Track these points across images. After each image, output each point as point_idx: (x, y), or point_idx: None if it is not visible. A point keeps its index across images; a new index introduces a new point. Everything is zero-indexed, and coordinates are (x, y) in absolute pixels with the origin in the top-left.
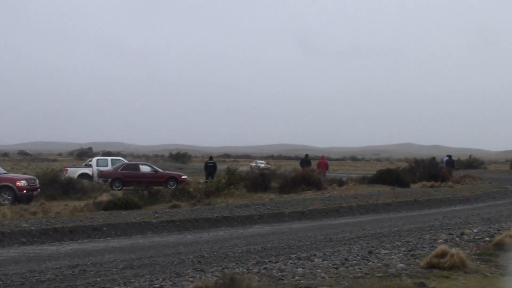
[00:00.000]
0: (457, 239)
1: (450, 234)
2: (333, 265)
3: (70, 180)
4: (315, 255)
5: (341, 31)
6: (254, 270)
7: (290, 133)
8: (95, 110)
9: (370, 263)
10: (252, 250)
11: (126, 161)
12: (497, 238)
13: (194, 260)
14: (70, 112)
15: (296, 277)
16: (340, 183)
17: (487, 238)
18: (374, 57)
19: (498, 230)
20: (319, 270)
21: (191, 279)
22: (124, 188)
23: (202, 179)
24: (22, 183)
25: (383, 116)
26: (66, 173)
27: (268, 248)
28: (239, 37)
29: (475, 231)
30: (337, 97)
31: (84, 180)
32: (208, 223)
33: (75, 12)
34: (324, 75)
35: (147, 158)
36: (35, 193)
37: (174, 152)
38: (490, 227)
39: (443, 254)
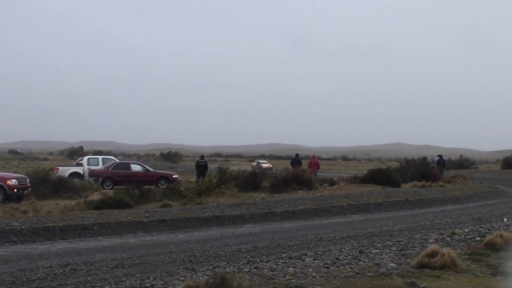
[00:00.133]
0: (448, 238)
1: (441, 233)
2: (324, 264)
3: (61, 179)
4: (306, 254)
5: (334, 31)
6: (245, 269)
7: (281, 132)
8: (86, 109)
9: (361, 262)
10: (243, 249)
11: (117, 160)
12: (488, 238)
13: (185, 259)
14: (61, 111)
15: (287, 276)
16: (331, 182)
17: (478, 238)
18: (366, 57)
19: (489, 230)
20: (310, 270)
21: (182, 278)
22: (115, 187)
23: (193, 179)
24: (13, 182)
25: (374, 116)
26: (57, 172)
27: (259, 248)
28: (232, 37)
29: (466, 231)
30: (329, 97)
31: (75, 179)
32: (199, 223)
33: (69, 11)
34: (315, 75)
35: (138, 157)
36: (25, 192)
37: (165, 151)
38: (481, 227)
39: (434, 254)
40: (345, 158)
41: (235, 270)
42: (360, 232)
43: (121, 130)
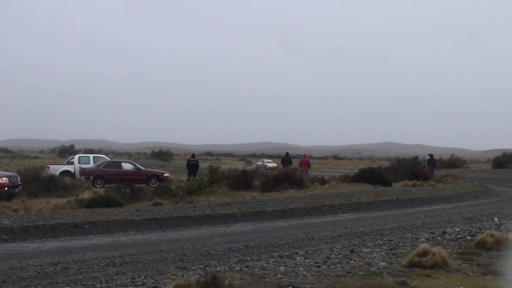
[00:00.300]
0: (439, 238)
1: (432, 233)
2: (315, 263)
3: (52, 178)
4: (297, 253)
5: (325, 31)
6: (236, 268)
7: (273, 131)
8: (77, 107)
9: (352, 261)
10: (234, 248)
11: (108, 159)
12: (479, 237)
13: (176, 258)
14: (52, 110)
15: (278, 275)
16: (322, 181)
17: (469, 237)
18: (357, 57)
19: (480, 229)
20: (301, 269)
21: (173, 277)
22: (106, 185)
23: (184, 177)
24: (4, 180)
25: (365, 115)
26: (48, 170)
27: (250, 246)
28: (224, 36)
29: (457, 230)
30: (320, 96)
31: (66, 177)
32: (190, 221)
33: (63, 9)
34: (307, 74)
35: (129, 155)
36: (16, 190)
37: (156, 150)
38: (471, 226)
39: (424, 253)
40: (336, 157)
41: (226, 269)
42: (351, 231)
43: (112, 128)
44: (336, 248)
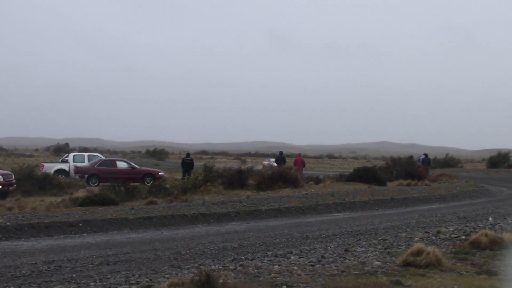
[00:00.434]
0: (433, 237)
1: (426, 232)
2: (309, 262)
3: (46, 176)
4: (291, 252)
5: (321, 29)
6: (230, 267)
7: (267, 130)
8: (72, 106)
9: (346, 260)
10: (229, 247)
11: (103, 157)
12: (473, 236)
13: (171, 256)
14: (47, 108)
15: (273, 274)
16: (317, 180)
17: (463, 237)
18: (352, 55)
19: (474, 228)
20: (295, 268)
21: (167, 275)
22: (100, 184)
23: (179, 176)
24: None
25: (360, 114)
26: (42, 168)
27: (244, 245)
28: (219, 34)
29: (451, 229)
30: (315, 95)
31: (60, 176)
32: (184, 220)
33: (56, 6)
34: (302, 73)
35: (124, 154)
36: (11, 188)
37: (151, 149)
38: (466, 226)
39: (419, 252)
40: (331, 156)
41: (220, 267)
42: (346, 230)
43: (107, 127)
44: (330, 247)
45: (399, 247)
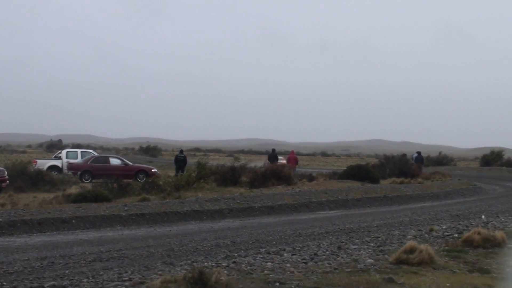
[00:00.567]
0: (426, 235)
1: (419, 230)
2: (302, 260)
3: (39, 172)
4: (284, 249)
5: (312, 26)
6: (223, 264)
7: (261, 127)
8: (65, 102)
9: (339, 258)
10: (222, 244)
11: (96, 154)
12: (466, 234)
13: (163, 253)
14: (40, 104)
15: (265, 272)
16: (310, 178)
17: (456, 235)
18: (345, 53)
19: (467, 226)
20: (288, 265)
21: (160, 272)
22: (93, 180)
23: (172, 173)
24: None
25: (353, 112)
26: (35, 165)
27: (237, 242)
28: (212, 31)
29: (444, 227)
30: (308, 92)
31: (53, 172)
32: (177, 217)
33: (47, 2)
34: (295, 70)
35: (117, 151)
36: (4, 184)
37: (144, 145)
38: (459, 224)
39: (412, 250)
40: (324, 154)
41: (213, 264)
42: (339, 228)
43: (100, 123)
44: (323, 245)
45: (392, 244)
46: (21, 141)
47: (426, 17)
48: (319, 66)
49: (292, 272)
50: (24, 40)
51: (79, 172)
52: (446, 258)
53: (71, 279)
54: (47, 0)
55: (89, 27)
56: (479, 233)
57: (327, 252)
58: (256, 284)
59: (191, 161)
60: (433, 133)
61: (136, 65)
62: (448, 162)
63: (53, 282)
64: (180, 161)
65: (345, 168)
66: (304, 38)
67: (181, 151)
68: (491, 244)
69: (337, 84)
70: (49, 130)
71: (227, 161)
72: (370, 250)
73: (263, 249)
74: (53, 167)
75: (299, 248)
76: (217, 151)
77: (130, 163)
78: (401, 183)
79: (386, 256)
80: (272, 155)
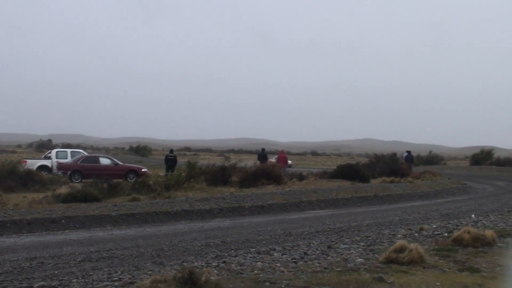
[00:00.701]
0: (416, 234)
1: (409, 229)
2: (292, 259)
3: (29, 172)
4: (274, 249)
5: (303, 26)
6: (213, 264)
7: (251, 127)
8: (55, 102)
9: (329, 257)
10: (212, 244)
11: (85, 154)
12: (456, 234)
13: (153, 253)
14: (30, 103)
15: (255, 271)
16: (301, 177)
17: (446, 234)
18: (336, 53)
19: (457, 226)
20: (278, 264)
21: (150, 272)
22: (83, 180)
23: (162, 172)
24: None
25: (344, 112)
26: (25, 165)
27: (227, 242)
28: (203, 30)
29: (434, 226)
30: (299, 92)
31: (43, 172)
32: (167, 217)
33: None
34: (285, 70)
35: (107, 150)
36: None
37: (134, 145)
38: (448, 223)
39: (401, 249)
40: (314, 153)
41: (203, 264)
42: (329, 227)
43: (90, 123)
44: (313, 244)
45: (382, 244)
46: (11, 141)
47: (416, 18)
48: (310, 66)
49: (282, 271)
50: (13, 40)
51: (69, 172)
52: (436, 257)
53: (61, 279)
54: (43, 2)
55: (78, 26)
56: (469, 232)
57: (317, 252)
58: (246, 284)
59: (181, 160)
60: (423, 132)
61: (127, 65)
62: (438, 161)
63: (42, 283)
64: (170, 160)
65: (336, 168)
66: (295, 38)
67: (171, 151)
68: (481, 243)
69: (328, 84)
70: (39, 129)
71: (218, 161)
72: (360, 249)
73: (253, 249)
74: (43, 167)
75: (289, 248)
76: (207, 150)
77: (120, 163)
78: (391, 182)
79: (376, 255)
80: (262, 154)
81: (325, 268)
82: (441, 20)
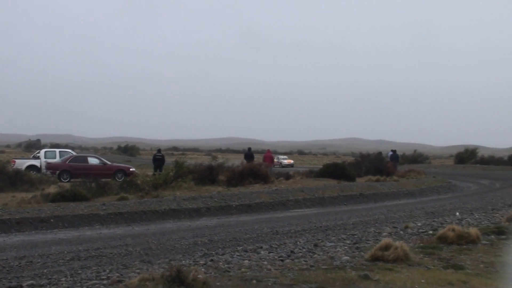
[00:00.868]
0: (401, 232)
1: (395, 227)
2: (279, 257)
3: (17, 172)
4: (261, 247)
5: (289, 26)
6: (201, 262)
7: (238, 126)
8: (43, 102)
9: (315, 255)
10: (199, 242)
11: (74, 154)
12: (440, 231)
13: (141, 252)
14: (18, 104)
15: (242, 269)
16: (287, 176)
17: (431, 232)
18: (321, 53)
19: (441, 223)
20: (265, 262)
21: (138, 271)
22: (72, 180)
23: (150, 172)
24: None
25: (329, 111)
26: (13, 164)
27: (215, 241)
28: (189, 31)
29: (419, 224)
30: (285, 91)
31: (32, 172)
32: (155, 216)
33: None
34: (272, 70)
35: (95, 150)
36: None
37: (122, 145)
38: (433, 221)
39: (387, 247)
40: (301, 153)
41: (191, 263)
42: (315, 226)
43: (79, 123)
44: (300, 242)
45: (368, 242)
46: None
47: (400, 18)
48: (295, 66)
49: (269, 269)
50: (3, 40)
51: (57, 172)
52: (421, 255)
53: (50, 278)
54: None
55: (66, 25)
56: (453, 230)
57: (304, 250)
58: (233, 282)
59: (169, 160)
60: (408, 131)
61: (114, 65)
62: (423, 160)
63: (31, 281)
64: (158, 160)
65: (322, 167)
66: (280, 39)
67: (159, 150)
68: (465, 241)
69: (313, 83)
70: (28, 130)
71: (205, 160)
72: (346, 247)
73: (241, 247)
74: (31, 167)
75: (276, 246)
76: (195, 150)
77: (109, 163)
78: (377, 181)
79: (362, 253)
80: (248, 154)
81: (312, 266)
82: (421, 20)
